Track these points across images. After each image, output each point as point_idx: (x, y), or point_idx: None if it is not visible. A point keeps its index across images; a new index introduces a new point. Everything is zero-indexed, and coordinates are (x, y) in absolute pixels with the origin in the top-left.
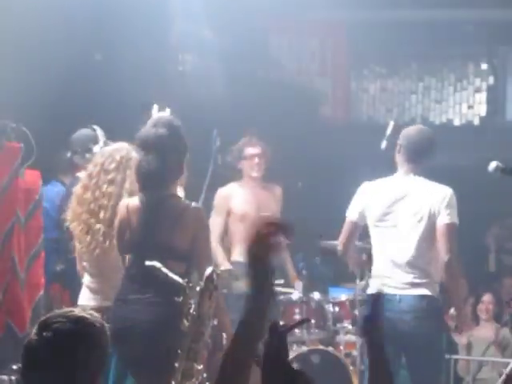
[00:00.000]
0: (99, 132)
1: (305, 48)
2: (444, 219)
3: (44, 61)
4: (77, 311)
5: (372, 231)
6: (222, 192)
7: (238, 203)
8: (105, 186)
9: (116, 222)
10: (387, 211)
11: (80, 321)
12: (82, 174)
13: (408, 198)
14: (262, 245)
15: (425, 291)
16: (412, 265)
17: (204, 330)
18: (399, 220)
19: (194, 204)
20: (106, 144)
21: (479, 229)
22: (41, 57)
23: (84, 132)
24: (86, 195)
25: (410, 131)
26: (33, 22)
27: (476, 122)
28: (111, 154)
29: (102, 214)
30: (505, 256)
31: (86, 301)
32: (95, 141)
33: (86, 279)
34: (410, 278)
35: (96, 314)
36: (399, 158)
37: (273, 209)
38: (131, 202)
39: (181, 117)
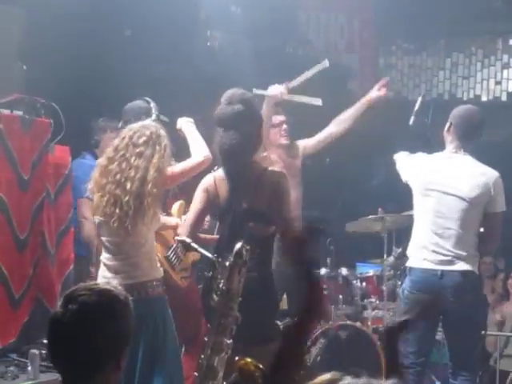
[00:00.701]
0: (153, 105)
1: (332, 24)
2: (494, 207)
3: (73, 38)
4: (101, 284)
5: (416, 202)
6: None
7: None
8: (133, 158)
9: (202, 195)
10: (433, 184)
11: (104, 293)
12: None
13: (456, 175)
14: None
15: (466, 267)
16: (454, 240)
17: (233, 304)
18: (445, 195)
19: (270, 168)
20: (158, 118)
21: (510, 206)
22: (71, 33)
23: (138, 103)
24: (111, 166)
25: (461, 110)
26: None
27: (504, 98)
28: (140, 129)
29: (128, 186)
30: None
31: (106, 280)
32: (148, 113)
33: (104, 256)
34: (451, 252)
35: (120, 288)
36: (449, 136)
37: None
38: (217, 174)
39: (210, 92)
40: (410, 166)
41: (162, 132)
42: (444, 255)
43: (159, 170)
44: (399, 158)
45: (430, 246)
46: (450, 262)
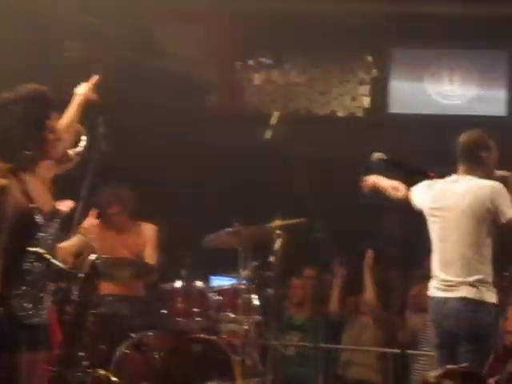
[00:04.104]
0: None
1: (190, 37)
2: (504, 217)
3: None
4: None
5: (429, 229)
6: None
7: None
8: None
9: None
10: (436, 210)
11: None
12: None
13: (456, 197)
14: None
15: (467, 294)
16: (455, 265)
17: (87, 316)
18: (446, 219)
19: None
20: None
21: None
22: None
23: None
24: None
25: (461, 136)
26: None
27: (359, 113)
28: None
29: None
30: None
31: None
32: None
33: None
34: (453, 279)
35: None
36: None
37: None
38: None
39: (64, 103)
40: (417, 194)
41: None
42: (446, 282)
43: None
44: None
45: (436, 272)
46: (452, 289)
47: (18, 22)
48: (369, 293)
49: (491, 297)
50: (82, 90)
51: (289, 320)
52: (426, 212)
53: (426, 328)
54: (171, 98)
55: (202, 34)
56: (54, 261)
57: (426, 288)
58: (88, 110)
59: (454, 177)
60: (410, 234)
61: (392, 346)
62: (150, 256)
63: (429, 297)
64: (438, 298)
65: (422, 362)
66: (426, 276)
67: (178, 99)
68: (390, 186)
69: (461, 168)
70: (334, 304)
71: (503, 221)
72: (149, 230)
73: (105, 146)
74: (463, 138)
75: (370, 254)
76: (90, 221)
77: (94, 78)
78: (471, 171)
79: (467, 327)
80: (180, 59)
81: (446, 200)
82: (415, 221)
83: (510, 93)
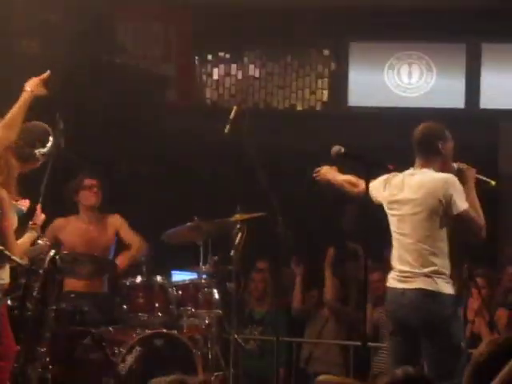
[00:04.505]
0: None
1: (149, 33)
2: (456, 208)
3: None
4: None
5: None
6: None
7: (68, 236)
8: None
9: None
10: (393, 203)
11: None
12: None
13: (410, 190)
14: None
15: (423, 285)
16: (414, 257)
17: (47, 312)
18: (402, 211)
19: None
20: None
21: None
22: None
23: None
24: None
25: (417, 127)
26: None
27: (318, 107)
28: None
29: None
30: None
31: None
32: None
33: None
34: (409, 269)
35: None
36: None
37: (104, 241)
38: None
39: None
40: (375, 188)
41: None
42: (403, 273)
43: None
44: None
45: (394, 263)
46: (409, 280)
47: None
48: (328, 287)
49: (447, 288)
50: (30, 85)
51: (249, 314)
52: (385, 205)
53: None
54: (131, 94)
55: (160, 29)
56: (14, 257)
57: (385, 280)
58: (47, 107)
59: (410, 170)
60: (370, 226)
61: (353, 340)
62: (133, 236)
63: (387, 287)
64: (395, 288)
65: (383, 354)
66: (387, 268)
67: (138, 95)
68: (345, 180)
69: (417, 161)
70: (296, 301)
71: (455, 213)
72: (116, 219)
73: (63, 142)
74: (419, 129)
75: (330, 252)
76: (40, 217)
77: (45, 74)
78: (428, 163)
79: (424, 319)
80: (139, 55)
81: (402, 193)
82: (376, 212)
83: (468, 85)
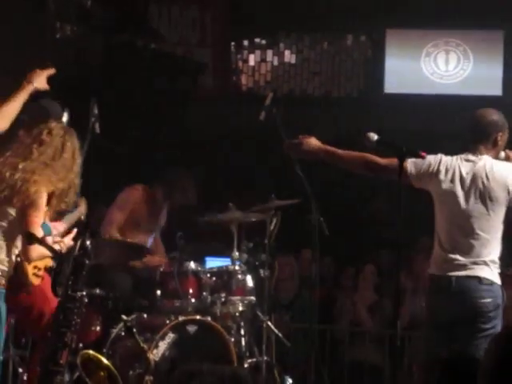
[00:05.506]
0: None
1: (184, 18)
2: None
3: None
4: None
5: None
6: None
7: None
8: None
9: None
10: (447, 187)
11: None
12: None
13: (469, 177)
14: None
15: (474, 273)
16: (462, 244)
17: (76, 297)
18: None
19: None
20: None
21: None
22: None
23: None
24: None
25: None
26: None
27: (355, 94)
28: None
29: None
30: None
31: None
32: None
33: None
34: (460, 258)
35: None
36: None
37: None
38: None
39: (57, 83)
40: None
41: None
42: (454, 262)
43: None
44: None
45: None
46: (460, 268)
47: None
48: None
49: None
50: (36, 80)
51: (279, 299)
52: (436, 191)
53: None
54: (165, 79)
55: (196, 15)
56: (46, 242)
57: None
58: (79, 93)
59: (467, 155)
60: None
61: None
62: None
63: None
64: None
65: (418, 343)
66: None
67: (172, 82)
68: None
69: (472, 147)
70: None
71: None
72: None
73: (98, 127)
74: (478, 116)
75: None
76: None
77: (50, 70)
78: (483, 151)
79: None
80: (175, 41)
81: (459, 180)
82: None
83: (506, 72)
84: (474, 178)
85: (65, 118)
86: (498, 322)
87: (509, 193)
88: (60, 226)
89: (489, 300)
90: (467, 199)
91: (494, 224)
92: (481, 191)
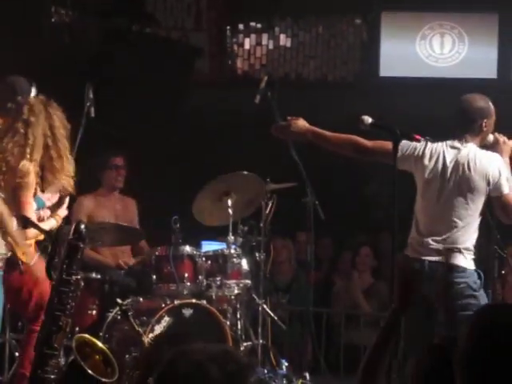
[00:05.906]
0: None
1: (180, 2)
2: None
3: None
4: None
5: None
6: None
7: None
8: None
9: None
10: (430, 173)
11: None
12: None
13: (451, 165)
14: None
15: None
16: (439, 231)
17: (71, 281)
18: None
19: None
20: None
21: None
22: None
23: None
24: None
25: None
26: None
27: (350, 78)
28: None
29: None
30: None
31: None
32: None
33: None
34: (434, 244)
35: None
36: None
37: (130, 218)
38: None
39: (51, 68)
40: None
41: None
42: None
43: None
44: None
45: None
46: (433, 253)
47: None
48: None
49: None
50: None
51: (275, 282)
52: (420, 176)
53: None
54: (161, 64)
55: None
56: (41, 226)
57: None
58: (74, 78)
59: (453, 142)
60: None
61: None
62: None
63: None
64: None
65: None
66: None
67: (169, 66)
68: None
69: (458, 133)
70: None
71: (497, 195)
72: (133, 205)
73: (93, 111)
74: (463, 103)
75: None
76: (65, 210)
77: None
78: (468, 138)
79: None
80: (171, 25)
81: (443, 166)
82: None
83: (501, 55)
84: (456, 166)
85: (33, 93)
86: (475, 305)
87: (489, 183)
88: (53, 198)
89: (461, 286)
90: (447, 187)
91: (473, 213)
92: (461, 180)
